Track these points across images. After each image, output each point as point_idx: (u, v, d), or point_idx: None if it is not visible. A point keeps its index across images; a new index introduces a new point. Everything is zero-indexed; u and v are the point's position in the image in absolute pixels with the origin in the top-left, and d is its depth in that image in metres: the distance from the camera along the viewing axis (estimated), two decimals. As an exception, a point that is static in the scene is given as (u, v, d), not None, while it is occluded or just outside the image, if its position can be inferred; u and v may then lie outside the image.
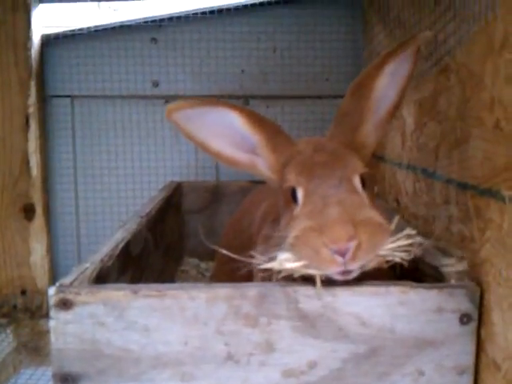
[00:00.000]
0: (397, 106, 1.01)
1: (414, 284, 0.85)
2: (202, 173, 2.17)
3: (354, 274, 0.81)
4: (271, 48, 2.11)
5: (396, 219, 0.87)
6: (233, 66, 2.11)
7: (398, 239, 0.82)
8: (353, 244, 0.77)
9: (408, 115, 1.32)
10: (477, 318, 0.84)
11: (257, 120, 1.01)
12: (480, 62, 0.88)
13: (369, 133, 1.00)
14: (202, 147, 1.03)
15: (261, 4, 2.09)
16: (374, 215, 0.83)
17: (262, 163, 1.02)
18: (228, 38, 2.10)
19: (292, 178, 0.92)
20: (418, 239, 0.84)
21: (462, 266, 0.89)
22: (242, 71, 2.11)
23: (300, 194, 0.89)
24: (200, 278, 1.85)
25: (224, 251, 0.91)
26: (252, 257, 0.86)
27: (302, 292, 0.83)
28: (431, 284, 0.86)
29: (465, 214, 0.94)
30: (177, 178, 2.12)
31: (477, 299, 0.84)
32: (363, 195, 0.88)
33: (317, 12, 2.08)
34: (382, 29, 1.65)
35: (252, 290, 0.83)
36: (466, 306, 0.83)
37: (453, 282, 0.86)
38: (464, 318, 0.84)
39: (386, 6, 1.58)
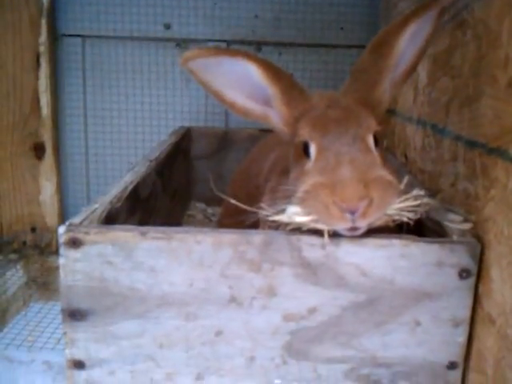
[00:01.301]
0: (414, 67, 1.01)
1: (417, 238, 0.86)
2: (211, 119, 2.17)
3: (362, 231, 0.83)
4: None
5: (406, 179, 0.88)
6: (246, 11, 2.07)
7: (407, 199, 0.84)
8: (363, 203, 0.79)
9: (421, 69, 1.30)
10: (475, 274, 0.86)
11: (273, 72, 1.00)
12: (498, 18, 0.86)
13: (385, 91, 0.99)
14: (216, 96, 1.03)
15: None
16: (385, 174, 0.84)
17: (276, 115, 1.02)
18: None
19: (305, 133, 0.92)
20: (426, 200, 0.85)
21: (466, 226, 0.90)
22: (256, 16, 2.07)
23: (313, 149, 0.90)
24: (207, 222, 1.88)
25: (233, 201, 0.93)
26: (260, 208, 0.88)
27: (306, 241, 0.85)
28: (433, 239, 0.88)
29: (471, 171, 0.95)
30: (186, 123, 2.12)
31: (477, 255, 0.85)
32: (376, 154, 0.89)
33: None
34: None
35: (257, 236, 0.85)
36: (465, 261, 0.85)
37: (454, 237, 0.88)
38: (463, 273, 0.85)
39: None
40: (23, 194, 2.01)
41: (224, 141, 2.03)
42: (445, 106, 1.12)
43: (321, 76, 2.10)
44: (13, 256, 1.95)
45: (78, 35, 2.07)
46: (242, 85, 1.01)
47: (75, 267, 0.87)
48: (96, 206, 0.99)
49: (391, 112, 1.66)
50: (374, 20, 2.03)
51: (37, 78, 1.94)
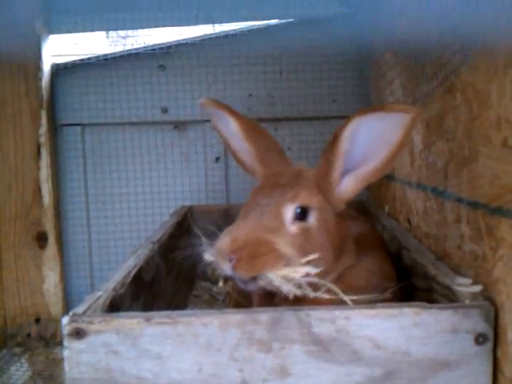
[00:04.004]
0: (385, 166, 0.99)
1: (428, 305, 0.84)
2: (212, 196, 2.19)
3: (251, 287, 0.93)
4: (278, 71, 2.14)
5: (311, 257, 0.93)
6: (240, 90, 2.13)
7: (295, 272, 0.90)
8: (234, 254, 0.90)
9: (416, 134, 1.32)
10: (492, 338, 0.83)
11: (251, 130, 1.11)
12: (486, 80, 0.88)
13: (343, 182, 1.02)
14: (225, 143, 1.19)
15: (266, 28, 2.12)
16: (278, 242, 0.93)
17: (255, 172, 1.12)
18: (235, 62, 2.12)
19: (251, 191, 1.06)
20: (315, 279, 0.90)
21: (476, 289, 0.89)
22: (250, 95, 2.13)
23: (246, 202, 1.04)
24: (213, 301, 1.84)
25: (197, 231, 1.07)
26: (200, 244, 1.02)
27: (315, 316, 0.83)
28: (445, 304, 0.85)
29: (476, 232, 0.94)
30: (187, 202, 2.13)
31: (492, 319, 0.83)
32: (286, 223, 0.97)
33: (322, 34, 2.10)
34: (388, 48, 1.67)
35: (264, 315, 0.83)
36: (480, 325, 0.82)
37: (467, 301, 0.86)
38: (479, 338, 0.83)
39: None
40: (26, 285, 1.99)
41: (226, 217, 2.03)
42: (443, 169, 1.13)
43: (317, 147, 2.13)
44: (17, 350, 1.90)
45: (78, 124, 2.12)
46: (235, 136, 1.13)
47: (80, 359, 0.84)
48: (99, 293, 0.97)
49: (390, 177, 1.66)
50: (366, 90, 2.08)
51: (38, 168, 1.97)
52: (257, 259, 0.89)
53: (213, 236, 0.99)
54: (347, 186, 1.02)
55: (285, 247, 0.92)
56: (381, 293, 0.99)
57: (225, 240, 0.92)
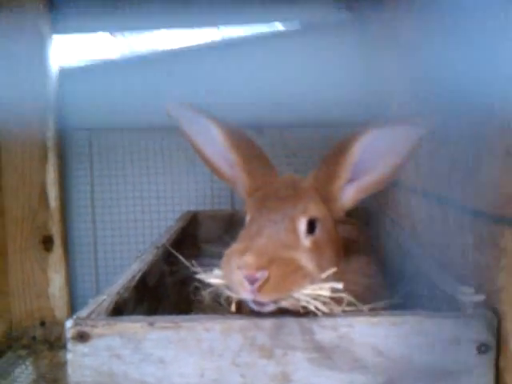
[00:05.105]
0: (388, 178, 1.00)
1: (431, 313, 0.84)
2: (217, 202, 2.19)
3: (269, 308, 0.83)
4: (282, 78, 2.14)
5: (330, 271, 0.89)
6: (245, 97, 2.13)
7: (321, 288, 0.84)
8: (261, 275, 0.80)
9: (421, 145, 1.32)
10: (495, 347, 0.83)
11: (234, 139, 1.06)
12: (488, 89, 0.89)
13: (345, 191, 1.02)
14: (196, 150, 1.11)
15: (272, 35, 2.13)
16: (300, 258, 0.87)
17: (239, 183, 1.06)
18: (239, 67, 2.13)
19: (248, 204, 1.00)
20: (343, 295, 0.85)
21: (479, 298, 0.88)
22: (254, 101, 2.14)
23: (247, 219, 0.97)
24: (216, 307, 1.84)
25: (177, 254, 1.01)
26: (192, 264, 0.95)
27: (318, 323, 0.83)
28: (447, 313, 0.85)
29: (480, 241, 0.94)
30: (193, 208, 2.13)
31: (494, 328, 0.83)
32: (301, 237, 0.93)
33: (324, 40, 2.10)
34: (393, 54, 1.67)
35: (267, 321, 0.83)
36: (483, 335, 0.82)
37: (469, 310, 0.86)
38: (482, 348, 0.83)
39: (396, 32, 1.59)
40: (32, 288, 2.00)
41: (231, 222, 2.04)
42: (447, 178, 1.13)
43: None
44: (22, 352, 1.91)
45: (85, 128, 2.13)
46: (214, 144, 1.07)
47: (83, 362, 0.84)
48: (103, 297, 0.98)
49: (395, 184, 1.66)
50: (370, 99, 2.08)
51: (45, 171, 1.98)
52: (285, 280, 0.83)
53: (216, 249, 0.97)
54: (349, 195, 1.02)
55: (307, 263, 0.88)
56: (386, 298, 0.99)
57: (245, 260, 0.82)
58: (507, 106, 0.82)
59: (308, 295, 0.83)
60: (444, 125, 1.14)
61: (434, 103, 1.21)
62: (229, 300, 0.87)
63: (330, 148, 1.04)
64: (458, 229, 1.06)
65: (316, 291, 0.84)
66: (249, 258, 0.82)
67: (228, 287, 0.87)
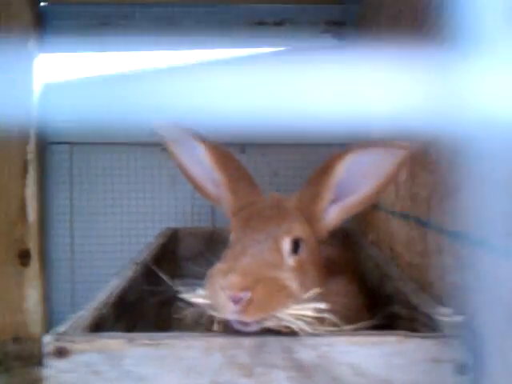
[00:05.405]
0: (371, 198, 1.02)
1: (410, 333, 0.85)
2: (197, 219, 2.19)
3: (253, 328, 0.83)
4: (266, 97, 2.16)
5: (314, 291, 0.90)
6: (229, 114, 2.15)
7: (305, 309, 0.85)
8: (244, 295, 0.80)
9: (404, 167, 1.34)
10: (474, 368, 0.84)
11: (221, 159, 1.07)
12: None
13: (329, 211, 1.03)
14: (181, 169, 1.12)
15: (258, 55, 2.16)
16: (284, 278, 0.87)
17: (224, 202, 1.08)
18: (222, 86, 2.14)
19: (232, 223, 1.00)
20: (326, 315, 0.85)
21: (458, 319, 0.90)
22: (238, 119, 2.15)
23: (231, 238, 0.97)
24: (195, 326, 1.83)
25: (161, 274, 1.02)
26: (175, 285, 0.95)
27: (298, 341, 0.83)
28: (427, 333, 0.86)
29: (458, 263, 0.96)
30: (173, 224, 2.13)
31: (473, 349, 0.84)
32: (285, 257, 0.93)
33: (309, 61, 2.13)
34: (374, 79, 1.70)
35: (247, 340, 0.83)
36: (462, 355, 0.83)
37: (448, 331, 0.87)
38: (461, 368, 0.83)
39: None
40: (6, 303, 1.97)
41: (211, 240, 2.03)
42: (426, 200, 1.15)
43: (306, 173, 2.14)
44: (-6, 368, 1.87)
45: (66, 142, 2.12)
46: (199, 163, 1.08)
47: (61, 378, 0.83)
48: (82, 313, 0.97)
49: (375, 206, 1.69)
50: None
51: (24, 185, 1.96)
52: (269, 300, 0.83)
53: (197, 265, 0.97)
54: (332, 215, 1.03)
55: (291, 283, 0.88)
56: (366, 318, 0.99)
57: (229, 279, 0.82)
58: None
59: (292, 315, 0.83)
60: (424, 149, 1.16)
61: (413, 128, 1.24)
62: (210, 320, 0.87)
63: (315, 169, 1.05)
64: (437, 251, 1.08)
65: (299, 311, 0.84)
66: (233, 279, 0.82)
67: (212, 307, 0.86)
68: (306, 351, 0.83)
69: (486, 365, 0.83)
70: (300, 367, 0.83)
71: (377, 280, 1.34)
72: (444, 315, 0.91)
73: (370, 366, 0.83)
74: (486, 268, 0.84)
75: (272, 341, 0.83)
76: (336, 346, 0.83)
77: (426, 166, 1.15)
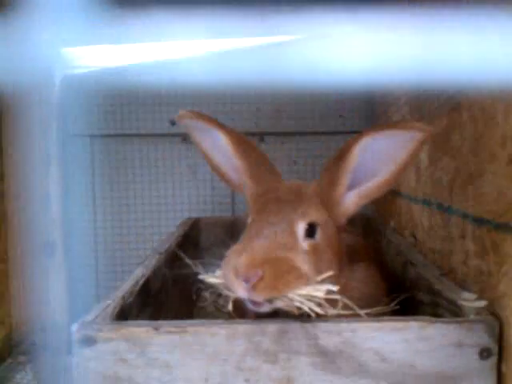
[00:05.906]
0: (388, 184, 1.00)
1: (433, 319, 0.85)
2: (218, 208, 2.20)
3: (266, 309, 0.85)
4: (284, 85, 2.16)
5: (327, 274, 0.90)
6: (248, 105, 2.15)
7: (316, 290, 0.85)
8: (254, 274, 0.82)
9: (422, 150, 1.34)
10: (497, 353, 0.84)
11: (241, 145, 1.08)
12: (492, 100, 0.90)
13: (347, 197, 1.02)
14: (205, 158, 1.14)
15: (274, 44, 2.15)
16: (297, 260, 0.88)
17: (245, 188, 1.08)
18: (242, 76, 2.15)
19: (251, 208, 1.01)
20: (338, 297, 0.85)
21: (481, 304, 0.89)
22: (257, 109, 2.16)
23: (248, 221, 0.99)
24: (218, 313, 1.84)
25: (184, 257, 1.03)
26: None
27: (322, 328, 0.84)
28: (450, 319, 0.86)
29: (481, 248, 0.95)
30: (194, 214, 2.14)
31: (496, 333, 0.83)
32: (299, 240, 0.93)
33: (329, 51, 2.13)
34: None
35: (272, 326, 0.84)
36: (485, 340, 0.83)
37: (471, 316, 0.86)
38: (484, 353, 0.83)
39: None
40: (32, 294, 2.00)
41: (232, 229, 2.04)
42: (448, 185, 1.14)
43: (324, 162, 2.14)
44: (22, 358, 1.91)
45: (87, 135, 2.15)
46: (221, 151, 1.09)
47: (88, 366, 0.85)
48: (108, 302, 0.98)
49: (396, 193, 1.68)
50: (371, 107, 2.10)
51: (47, 177, 1.99)
52: (279, 279, 0.84)
53: (217, 253, 0.97)
54: (350, 201, 1.02)
55: (303, 265, 0.88)
56: (385, 304, 1.00)
57: (241, 259, 0.85)
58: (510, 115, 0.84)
59: (302, 296, 0.84)
60: (446, 134, 1.16)
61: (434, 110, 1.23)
62: (226, 300, 0.89)
63: (333, 154, 1.04)
64: (460, 236, 1.07)
65: (311, 292, 0.85)
66: (244, 258, 0.84)
67: (226, 287, 0.89)
68: (330, 337, 0.83)
69: (510, 349, 0.82)
70: (324, 353, 0.84)
71: (399, 266, 1.34)
72: (467, 300, 0.91)
73: (394, 351, 0.83)
74: (509, 253, 0.84)
75: (296, 327, 0.84)
76: (359, 332, 0.83)
77: (448, 151, 1.14)
